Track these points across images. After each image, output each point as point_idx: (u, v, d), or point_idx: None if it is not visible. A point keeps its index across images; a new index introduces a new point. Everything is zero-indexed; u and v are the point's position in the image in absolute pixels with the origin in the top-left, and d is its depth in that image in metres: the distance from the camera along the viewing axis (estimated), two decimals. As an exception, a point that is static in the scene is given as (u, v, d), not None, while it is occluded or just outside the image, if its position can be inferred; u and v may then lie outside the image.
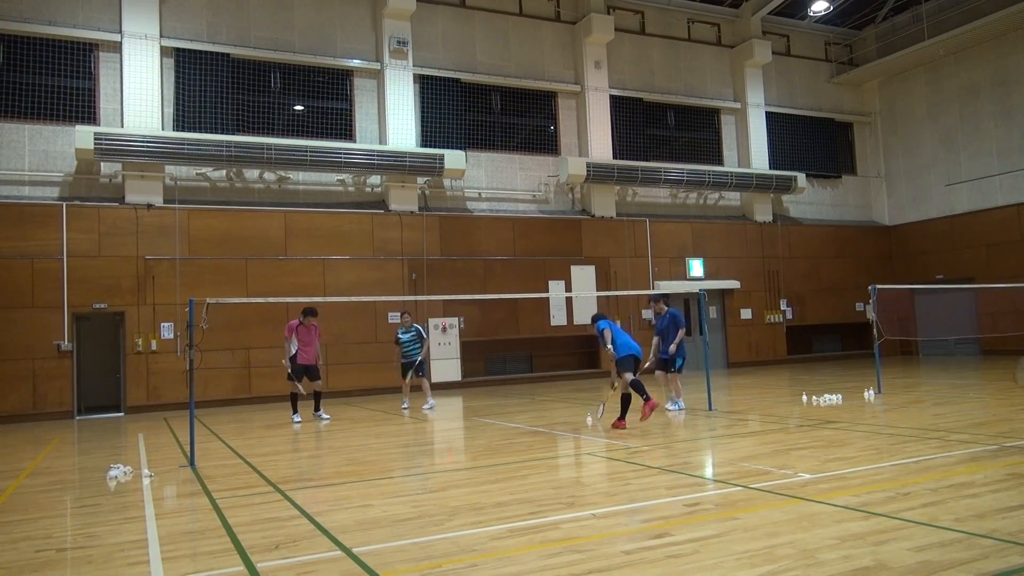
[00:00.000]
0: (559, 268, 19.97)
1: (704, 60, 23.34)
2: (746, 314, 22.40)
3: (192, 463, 7.97)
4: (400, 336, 13.69)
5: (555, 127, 21.17)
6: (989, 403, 10.63)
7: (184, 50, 17.07)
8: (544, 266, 19.81)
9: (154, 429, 12.27)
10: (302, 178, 18.05)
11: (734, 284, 22.17)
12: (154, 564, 4.40)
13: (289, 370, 12.30)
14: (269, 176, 17.72)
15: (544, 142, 21.14)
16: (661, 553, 4.12)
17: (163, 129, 16.58)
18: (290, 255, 17.34)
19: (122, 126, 16.23)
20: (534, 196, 20.49)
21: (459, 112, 19.59)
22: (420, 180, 18.94)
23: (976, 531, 4.22)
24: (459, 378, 18.56)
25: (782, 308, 22.91)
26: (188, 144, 16.24)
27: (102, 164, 16.17)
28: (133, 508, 6.03)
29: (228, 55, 17.42)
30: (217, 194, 17.31)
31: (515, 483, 6.35)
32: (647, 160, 21.56)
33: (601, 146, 20.86)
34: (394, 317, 16.73)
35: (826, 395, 11.58)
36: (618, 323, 11.66)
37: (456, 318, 18.57)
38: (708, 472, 6.70)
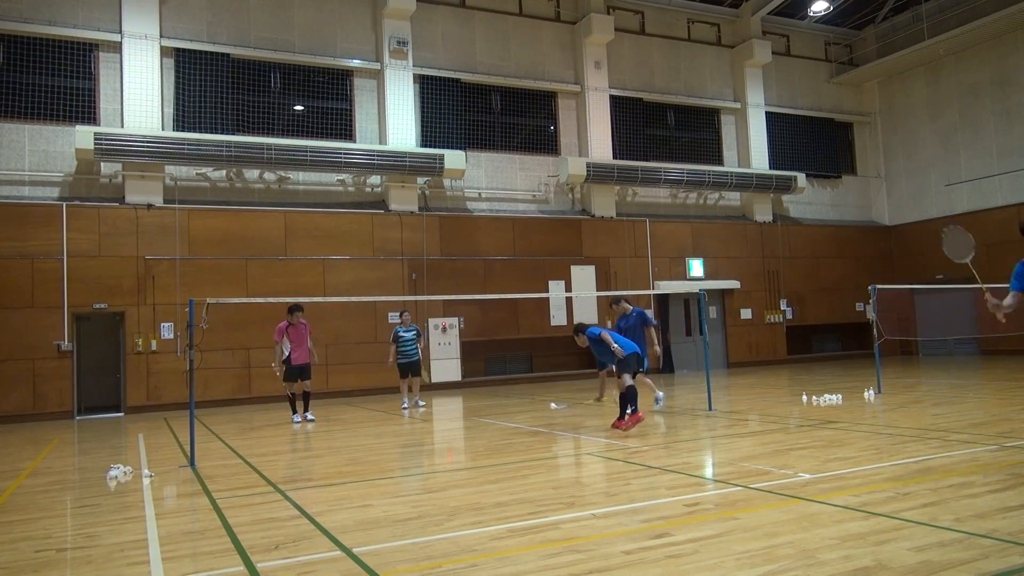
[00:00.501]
0: (559, 268, 19.97)
1: (704, 60, 23.34)
2: (746, 314, 22.39)
3: (192, 463, 7.96)
4: (402, 334, 13.68)
5: (555, 127, 21.17)
6: (989, 403, 10.62)
7: (184, 50, 17.07)
8: (544, 266, 19.81)
9: (154, 429, 12.27)
10: (302, 178, 18.05)
11: (734, 284, 22.17)
12: (154, 564, 4.40)
13: (278, 374, 12.26)
14: (269, 176, 17.72)
15: (544, 142, 21.14)
16: (661, 553, 4.12)
17: (163, 129, 16.59)
18: (290, 255, 17.34)
19: (122, 126, 16.23)
20: (534, 196, 20.49)
21: (459, 112, 19.59)
22: (420, 180, 18.94)
23: (976, 531, 4.21)
24: (459, 378, 18.56)
25: (782, 308, 22.91)
26: (188, 144, 16.25)
27: (102, 164, 16.18)
28: (133, 508, 6.03)
29: (228, 55, 17.43)
30: (217, 194, 17.31)
31: (515, 483, 6.34)
32: (647, 160, 21.56)
33: (601, 146, 20.85)
34: (394, 317, 16.73)
35: (826, 395, 11.58)
36: (608, 325, 11.67)
37: (456, 318, 18.57)
38: (708, 472, 6.70)
